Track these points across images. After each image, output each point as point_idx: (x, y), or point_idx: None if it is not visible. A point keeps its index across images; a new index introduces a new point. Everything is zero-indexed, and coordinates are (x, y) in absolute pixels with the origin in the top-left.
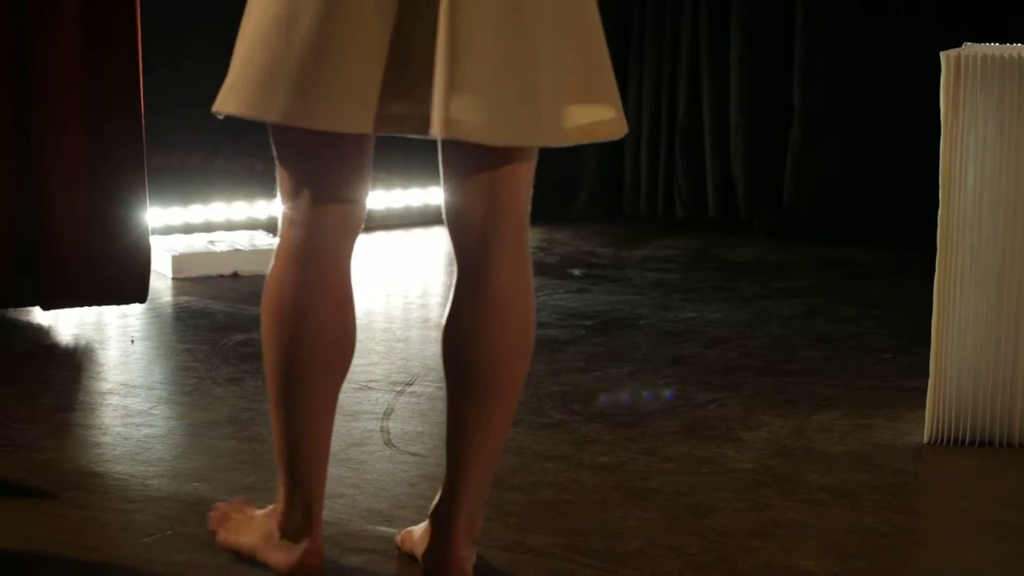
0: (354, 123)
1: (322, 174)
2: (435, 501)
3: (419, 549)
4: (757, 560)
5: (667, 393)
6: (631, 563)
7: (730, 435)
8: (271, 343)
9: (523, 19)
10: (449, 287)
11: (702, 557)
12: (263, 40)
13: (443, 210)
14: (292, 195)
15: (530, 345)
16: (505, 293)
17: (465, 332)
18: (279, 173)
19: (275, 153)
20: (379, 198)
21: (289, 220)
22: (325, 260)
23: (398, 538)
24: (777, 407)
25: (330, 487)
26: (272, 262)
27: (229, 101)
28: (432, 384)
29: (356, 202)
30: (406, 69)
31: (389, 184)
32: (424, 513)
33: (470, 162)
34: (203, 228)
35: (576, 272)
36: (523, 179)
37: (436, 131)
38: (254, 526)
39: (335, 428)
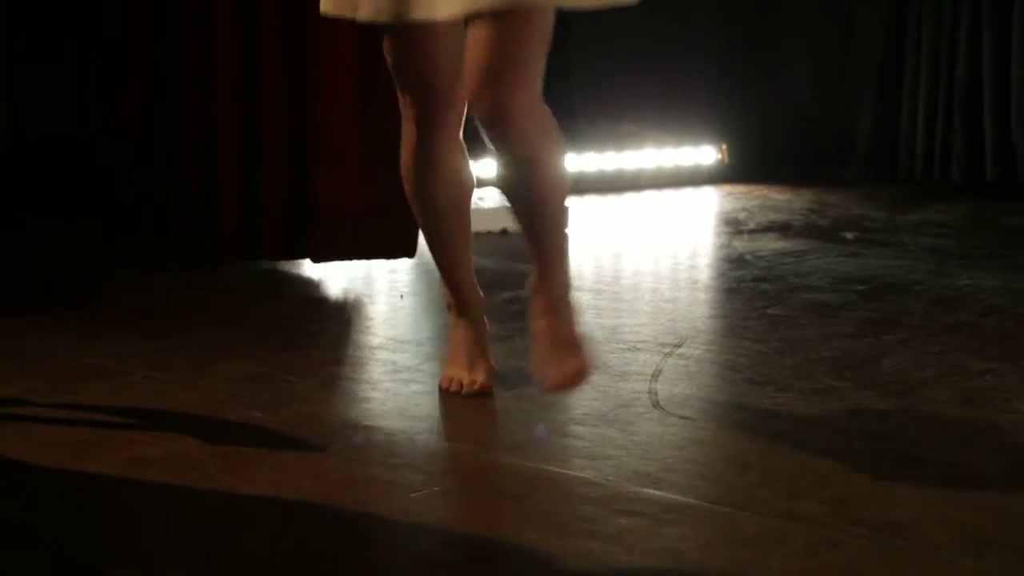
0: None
1: (416, 69)
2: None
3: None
4: None
5: None
6: (903, 533)
7: (1006, 406)
8: (411, 206)
9: None
10: (719, 248)
11: (977, 530)
12: None
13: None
14: (401, 94)
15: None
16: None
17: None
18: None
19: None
20: (649, 157)
21: (403, 115)
22: (430, 144)
23: None
24: None
25: (596, 448)
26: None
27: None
28: (701, 347)
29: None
30: None
31: (660, 143)
32: (692, 477)
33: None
34: None
35: (848, 236)
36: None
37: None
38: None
39: (603, 389)
